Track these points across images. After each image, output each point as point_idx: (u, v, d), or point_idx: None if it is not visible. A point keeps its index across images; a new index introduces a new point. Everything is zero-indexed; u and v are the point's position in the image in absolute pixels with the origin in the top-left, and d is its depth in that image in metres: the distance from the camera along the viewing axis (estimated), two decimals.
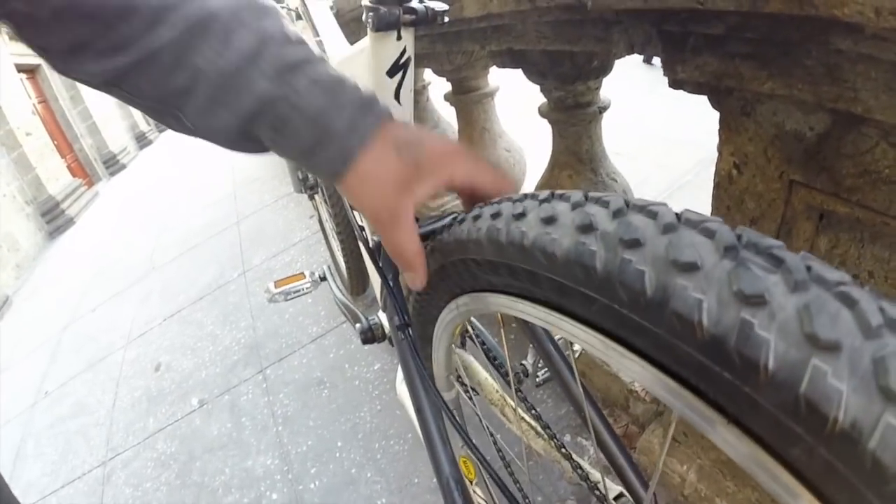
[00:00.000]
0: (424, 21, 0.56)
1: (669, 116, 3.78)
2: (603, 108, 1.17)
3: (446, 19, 0.56)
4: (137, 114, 13.19)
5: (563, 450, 0.65)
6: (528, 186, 1.94)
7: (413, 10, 0.55)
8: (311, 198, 1.73)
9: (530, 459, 1.03)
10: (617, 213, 0.25)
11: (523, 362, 0.87)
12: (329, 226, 1.67)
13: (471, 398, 0.80)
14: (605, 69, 1.09)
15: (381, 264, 0.67)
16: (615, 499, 0.59)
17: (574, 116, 1.17)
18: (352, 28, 1.55)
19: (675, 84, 0.69)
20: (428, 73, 2.04)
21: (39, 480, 1.97)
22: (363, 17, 0.55)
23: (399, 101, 0.63)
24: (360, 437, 1.50)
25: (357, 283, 1.53)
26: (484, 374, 0.83)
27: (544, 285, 0.29)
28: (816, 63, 0.50)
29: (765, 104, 0.60)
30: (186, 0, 0.33)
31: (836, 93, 0.50)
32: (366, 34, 0.61)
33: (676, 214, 0.24)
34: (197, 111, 0.36)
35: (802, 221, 0.64)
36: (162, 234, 4.12)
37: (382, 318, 1.03)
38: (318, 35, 0.84)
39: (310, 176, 1.60)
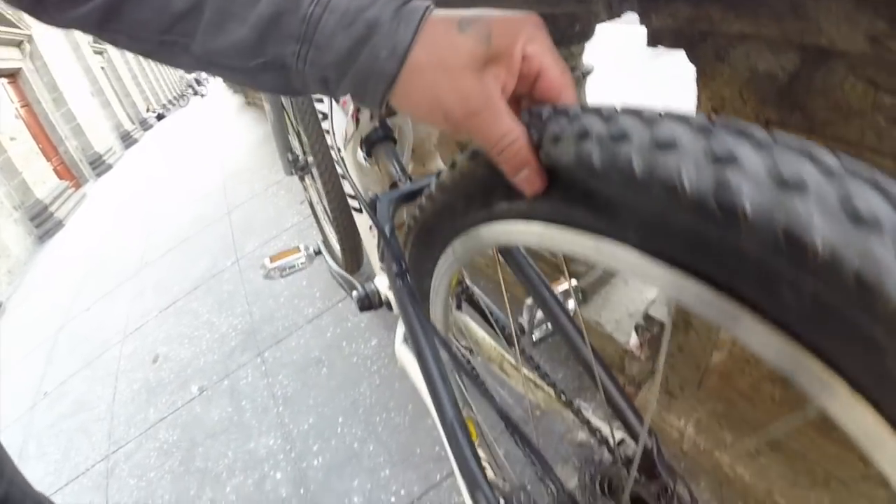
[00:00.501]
0: None
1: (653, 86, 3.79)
2: (586, 73, 1.18)
3: None
4: (122, 113, 13.04)
5: (564, 397, 0.67)
6: None
7: None
8: (302, 179, 1.72)
9: (532, 419, 1.05)
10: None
11: (520, 320, 0.89)
12: (321, 206, 1.67)
13: (469, 361, 0.82)
14: (587, 34, 1.10)
15: (377, 215, 0.69)
16: (617, 445, 0.60)
17: None
18: None
19: (653, 38, 0.70)
20: None
21: (43, 480, 1.97)
22: None
23: None
24: (360, 412, 1.52)
25: (351, 260, 1.54)
26: (481, 333, 0.85)
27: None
28: (779, 1, 0.51)
29: (737, 48, 0.62)
30: None
31: (800, 27, 0.51)
32: None
33: (659, 113, 0.26)
34: (206, 32, 0.32)
35: None
36: (152, 231, 4.10)
37: (379, 284, 1.05)
38: None
39: (300, 157, 1.60)
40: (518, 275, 0.63)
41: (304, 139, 1.42)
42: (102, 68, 13.26)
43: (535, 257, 0.63)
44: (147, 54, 0.35)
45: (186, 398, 1.95)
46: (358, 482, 1.34)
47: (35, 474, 2.04)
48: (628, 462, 0.55)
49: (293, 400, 1.69)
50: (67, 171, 8.78)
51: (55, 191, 7.33)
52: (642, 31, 0.69)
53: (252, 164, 4.26)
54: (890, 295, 0.17)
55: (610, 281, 1.44)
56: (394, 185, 0.80)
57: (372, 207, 0.71)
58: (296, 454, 1.50)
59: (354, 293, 1.04)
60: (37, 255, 5.89)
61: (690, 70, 0.71)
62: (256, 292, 2.36)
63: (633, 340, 1.27)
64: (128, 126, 12.84)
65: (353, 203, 1.00)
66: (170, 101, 20.93)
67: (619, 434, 0.61)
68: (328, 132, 0.92)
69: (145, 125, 15.00)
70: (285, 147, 1.61)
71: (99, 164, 9.75)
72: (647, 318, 1.21)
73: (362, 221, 1.03)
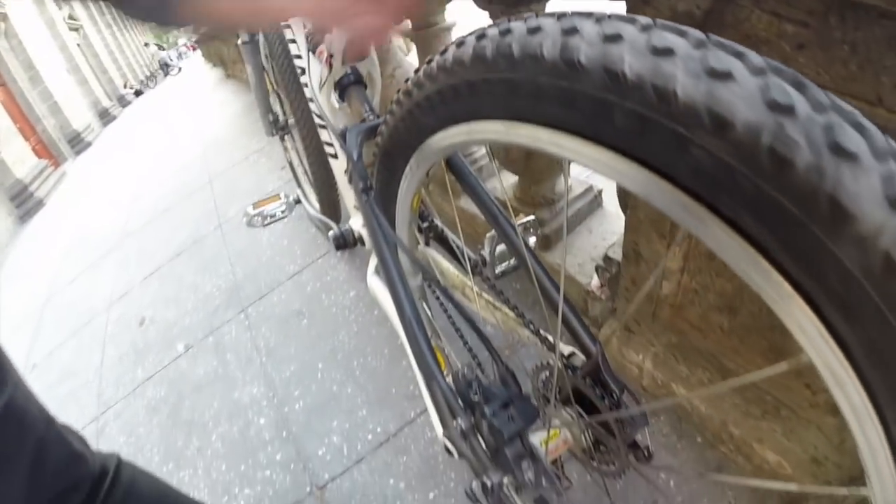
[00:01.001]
0: None
1: None
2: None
3: None
4: (100, 90, 12.76)
5: (517, 311, 0.71)
6: None
7: None
8: (283, 139, 1.77)
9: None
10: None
11: (481, 252, 0.93)
12: (300, 166, 1.73)
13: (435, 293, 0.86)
14: None
15: (346, 145, 0.76)
16: (567, 357, 0.65)
17: None
18: None
19: None
20: None
21: None
22: None
23: None
24: (339, 358, 1.57)
25: (329, 211, 1.58)
26: (446, 264, 0.90)
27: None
28: None
29: None
30: None
31: None
32: None
33: (652, 20, 0.30)
34: None
35: None
36: (134, 203, 4.08)
37: (353, 223, 1.10)
38: None
39: (280, 117, 1.67)
40: (478, 206, 0.68)
41: (284, 98, 1.51)
42: (78, 45, 12.90)
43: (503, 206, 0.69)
44: None
45: (173, 356, 1.99)
46: (337, 422, 1.40)
47: None
48: (575, 370, 0.60)
49: (275, 350, 1.73)
50: (46, 150, 8.63)
51: (34, 170, 7.23)
52: None
53: (232, 135, 4.23)
54: (799, 167, 0.22)
55: (574, 229, 1.49)
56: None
57: (342, 137, 0.78)
58: (278, 400, 1.55)
59: (331, 233, 1.11)
60: (18, 236, 5.82)
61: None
62: (239, 253, 2.39)
63: (595, 281, 1.31)
64: (106, 103, 12.59)
65: (330, 150, 1.04)
66: (148, 78, 20.45)
67: (569, 348, 0.66)
68: (306, 86, 0.99)
69: (123, 102, 14.69)
70: (266, 108, 1.67)
71: (78, 142, 9.59)
72: (607, 258, 1.25)
73: (339, 170, 1.07)
